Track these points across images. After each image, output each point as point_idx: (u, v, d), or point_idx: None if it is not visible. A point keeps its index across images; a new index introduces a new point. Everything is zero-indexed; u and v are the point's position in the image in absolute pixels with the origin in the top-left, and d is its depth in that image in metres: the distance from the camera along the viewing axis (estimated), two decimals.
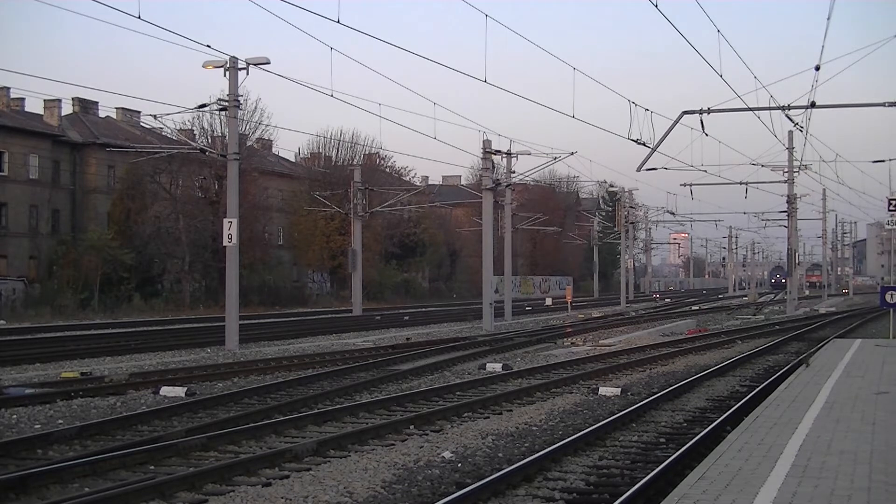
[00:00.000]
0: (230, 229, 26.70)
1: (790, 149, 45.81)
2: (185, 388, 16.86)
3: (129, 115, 59.96)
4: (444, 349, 25.58)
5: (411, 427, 13.26)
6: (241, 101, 29.63)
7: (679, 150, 74.78)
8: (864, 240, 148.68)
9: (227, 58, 26.27)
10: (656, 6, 18.63)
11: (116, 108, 61.16)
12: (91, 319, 40.92)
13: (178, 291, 52.78)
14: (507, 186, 42.52)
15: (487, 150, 37.56)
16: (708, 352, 26.36)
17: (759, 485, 7.93)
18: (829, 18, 21.83)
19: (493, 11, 25.09)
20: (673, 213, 71.66)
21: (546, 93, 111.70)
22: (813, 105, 25.29)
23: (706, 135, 27.30)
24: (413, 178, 77.00)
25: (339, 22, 18.79)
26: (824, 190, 72.55)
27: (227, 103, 27.14)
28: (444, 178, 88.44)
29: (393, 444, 12.12)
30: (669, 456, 10.86)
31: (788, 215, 49.63)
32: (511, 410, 15.13)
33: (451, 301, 68.61)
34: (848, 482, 8.04)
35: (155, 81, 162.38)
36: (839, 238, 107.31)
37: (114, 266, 48.75)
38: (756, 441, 10.03)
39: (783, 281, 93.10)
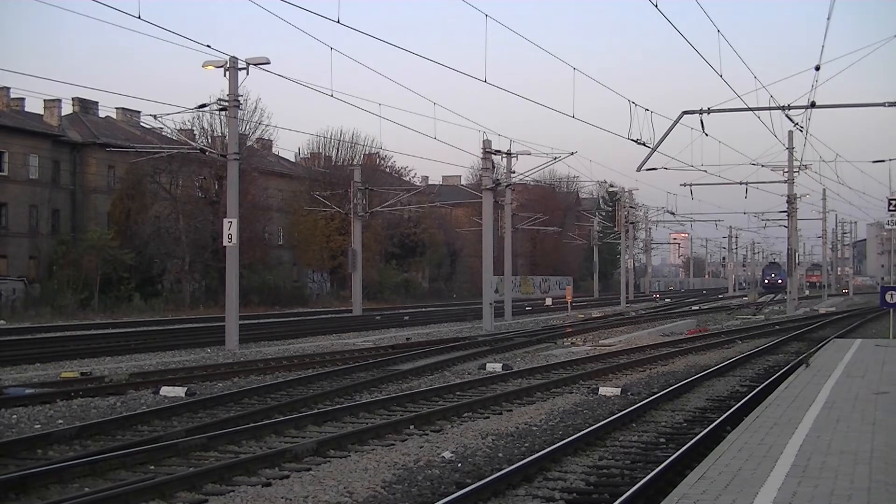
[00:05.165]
0: (230, 229, 26.70)
1: (790, 149, 45.80)
2: (185, 388, 16.86)
3: (129, 115, 59.92)
4: (444, 349, 25.57)
5: (411, 427, 13.26)
6: (241, 101, 29.62)
7: (679, 150, 74.76)
8: (864, 240, 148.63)
9: (227, 58, 26.27)
10: (656, 6, 18.64)
11: (116, 108, 61.14)
12: (91, 319, 40.91)
13: (178, 291, 52.76)
14: (507, 186, 42.51)
15: (487, 150, 37.55)
16: (708, 352, 26.35)
17: (759, 485, 7.93)
18: (829, 18, 21.86)
19: (493, 11, 25.14)
20: (673, 213, 71.69)
21: (546, 93, 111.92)
22: (813, 105, 25.28)
23: (706, 135, 27.30)
24: (413, 178, 77.07)
25: (339, 22, 18.81)
26: (824, 190, 72.65)
27: (227, 103, 27.14)
28: (444, 178, 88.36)
29: (393, 444, 12.12)
30: (669, 456, 10.86)
31: (788, 215, 49.62)
32: (511, 410, 15.13)
33: (451, 301, 68.59)
34: (848, 482, 8.03)
35: (155, 81, 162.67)
36: (839, 238, 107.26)
37: (114, 266, 48.72)
38: (756, 441, 10.02)
39: (779, 281, 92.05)
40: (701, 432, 12.31)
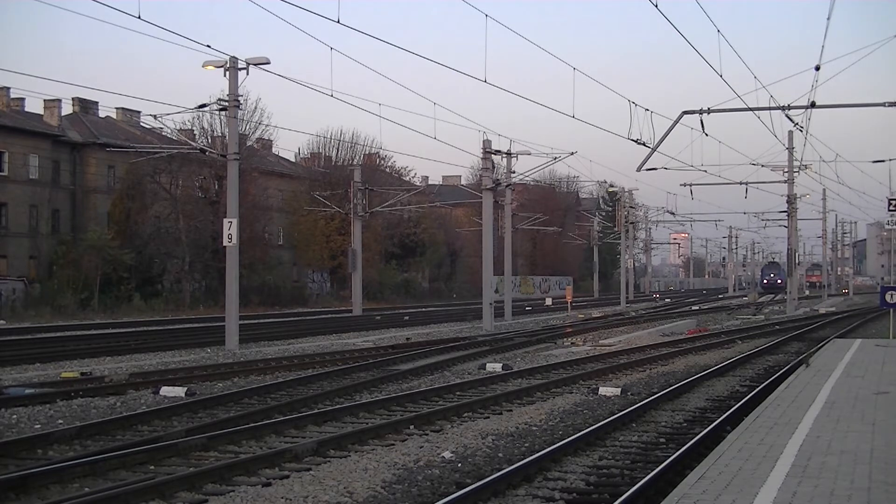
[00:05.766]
0: (230, 229, 26.69)
1: (790, 149, 45.81)
2: (185, 388, 16.86)
3: (129, 115, 59.94)
4: (444, 349, 25.57)
5: (411, 427, 13.26)
6: (241, 101, 29.60)
7: (679, 150, 74.72)
8: (864, 240, 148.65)
9: (227, 58, 26.26)
10: (656, 6, 18.64)
11: (116, 108, 61.16)
12: (91, 319, 40.91)
13: (178, 291, 52.76)
14: (507, 186, 42.50)
15: (487, 150, 37.55)
16: (708, 352, 26.35)
17: (759, 485, 7.93)
18: (829, 18, 21.87)
19: (493, 11, 25.21)
20: (673, 213, 71.73)
21: (546, 93, 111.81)
22: (813, 105, 25.29)
23: (706, 135, 27.32)
24: (413, 178, 77.07)
25: (339, 22, 18.83)
26: (824, 190, 72.64)
27: (227, 103, 27.12)
28: (444, 178, 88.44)
29: (393, 444, 12.12)
30: (669, 456, 10.86)
31: (788, 215, 49.63)
32: (511, 410, 15.12)
33: (451, 301, 68.59)
34: (848, 482, 8.03)
35: (155, 81, 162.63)
36: (839, 238, 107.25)
37: (114, 266, 48.71)
38: (756, 441, 10.03)
39: (778, 281, 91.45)
40: (701, 432, 12.31)
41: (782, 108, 26.74)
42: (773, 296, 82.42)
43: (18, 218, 52.54)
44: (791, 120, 28.15)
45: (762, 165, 44.42)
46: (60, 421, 13.82)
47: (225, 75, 26.56)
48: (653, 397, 15.94)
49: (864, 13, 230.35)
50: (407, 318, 41.86)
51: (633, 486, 9.31)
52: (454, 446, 11.96)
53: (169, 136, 50.36)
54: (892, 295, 25.53)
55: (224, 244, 27.49)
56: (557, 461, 10.93)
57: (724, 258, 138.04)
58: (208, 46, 23.08)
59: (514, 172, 42.55)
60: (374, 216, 56.08)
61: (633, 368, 21.72)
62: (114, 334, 31.48)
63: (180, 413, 14.36)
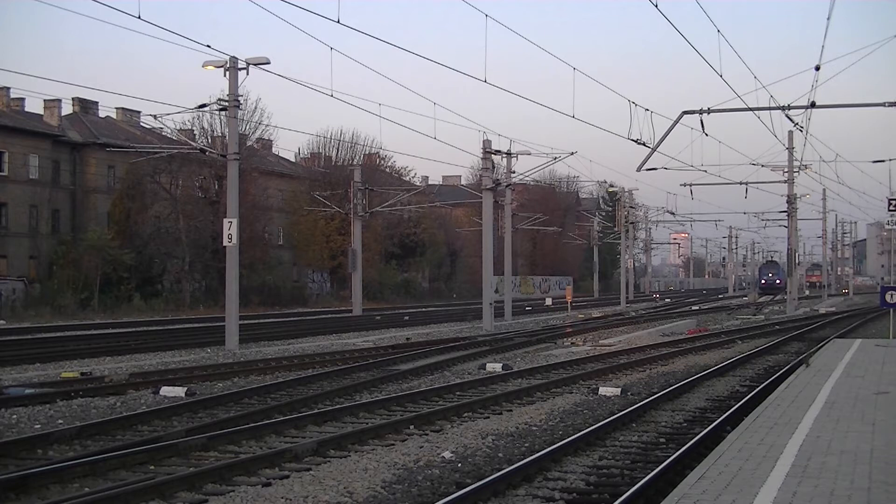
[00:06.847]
0: (230, 229, 26.70)
1: (790, 149, 45.81)
2: (185, 388, 16.86)
3: (129, 115, 59.94)
4: (444, 349, 25.57)
5: (411, 427, 13.26)
6: (241, 101, 29.61)
7: (679, 150, 74.59)
8: (864, 240, 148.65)
9: (227, 58, 26.26)
10: (656, 6, 18.64)
11: (116, 108, 61.16)
12: (91, 319, 40.90)
13: (178, 291, 52.76)
14: (507, 186, 42.51)
15: (487, 150, 37.55)
16: (708, 352, 26.35)
17: (759, 485, 7.93)
18: (829, 18, 21.89)
19: (493, 11, 25.18)
20: (673, 213, 71.70)
21: (546, 93, 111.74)
22: (813, 105, 25.31)
23: (706, 135, 27.34)
24: (413, 178, 77.05)
25: (339, 22, 18.83)
26: (824, 190, 72.63)
27: (227, 103, 27.12)
28: (444, 178, 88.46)
29: (393, 444, 12.12)
30: (669, 456, 10.86)
31: (788, 215, 49.63)
32: (511, 410, 15.12)
33: (451, 301, 68.59)
34: (848, 482, 8.04)
35: (155, 81, 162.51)
36: (839, 238, 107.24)
37: (114, 266, 48.73)
38: (756, 441, 10.03)
39: (777, 282, 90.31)
40: (701, 432, 12.31)
41: (782, 108, 26.75)
42: (772, 296, 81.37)
43: (18, 218, 52.55)
44: (791, 120, 28.17)
45: (762, 165, 44.48)
46: (60, 421, 13.82)
47: (225, 75, 26.57)
48: (653, 397, 15.94)
49: (864, 13, 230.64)
50: (407, 318, 41.87)
51: (633, 486, 9.31)
52: (454, 446, 11.96)
53: (169, 136, 50.35)
54: (892, 295, 25.49)
55: (224, 244, 27.49)
56: (557, 461, 10.93)
57: (724, 258, 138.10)
58: (208, 46, 23.11)
59: (514, 172, 42.56)
60: (374, 216, 56.08)
61: (633, 368, 21.73)
62: (114, 334, 31.48)
63: (180, 413, 14.37)
